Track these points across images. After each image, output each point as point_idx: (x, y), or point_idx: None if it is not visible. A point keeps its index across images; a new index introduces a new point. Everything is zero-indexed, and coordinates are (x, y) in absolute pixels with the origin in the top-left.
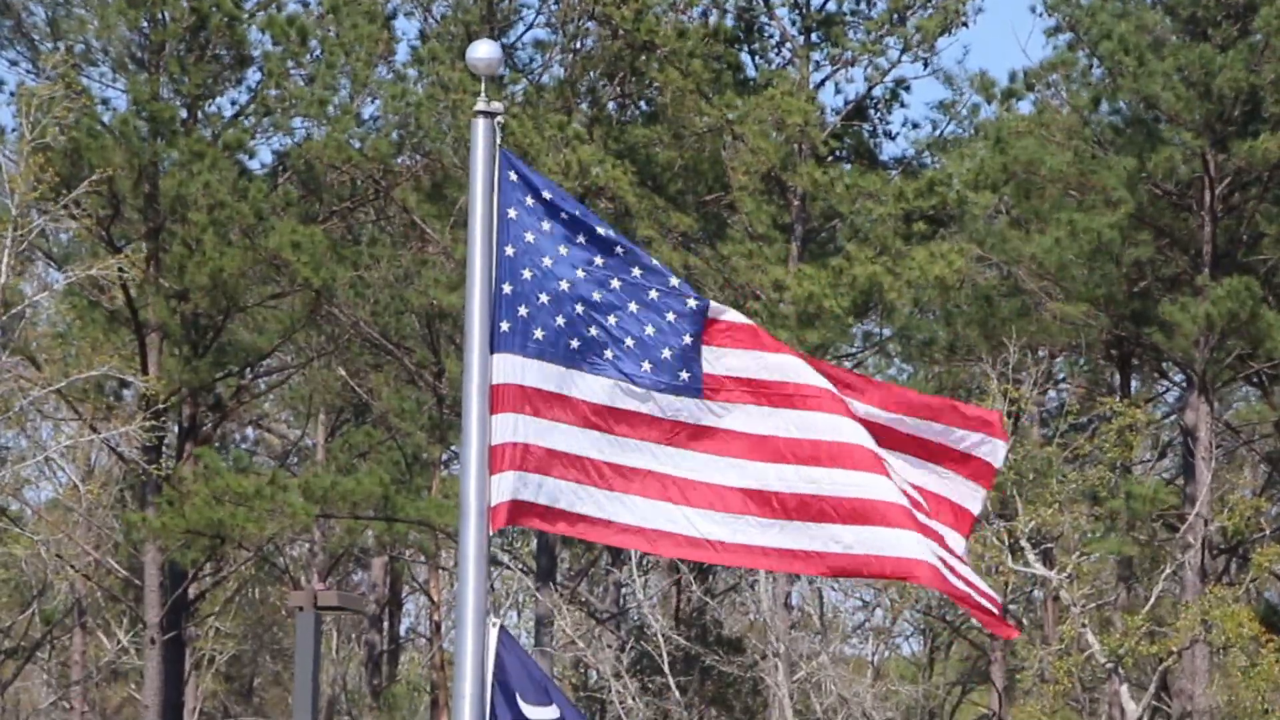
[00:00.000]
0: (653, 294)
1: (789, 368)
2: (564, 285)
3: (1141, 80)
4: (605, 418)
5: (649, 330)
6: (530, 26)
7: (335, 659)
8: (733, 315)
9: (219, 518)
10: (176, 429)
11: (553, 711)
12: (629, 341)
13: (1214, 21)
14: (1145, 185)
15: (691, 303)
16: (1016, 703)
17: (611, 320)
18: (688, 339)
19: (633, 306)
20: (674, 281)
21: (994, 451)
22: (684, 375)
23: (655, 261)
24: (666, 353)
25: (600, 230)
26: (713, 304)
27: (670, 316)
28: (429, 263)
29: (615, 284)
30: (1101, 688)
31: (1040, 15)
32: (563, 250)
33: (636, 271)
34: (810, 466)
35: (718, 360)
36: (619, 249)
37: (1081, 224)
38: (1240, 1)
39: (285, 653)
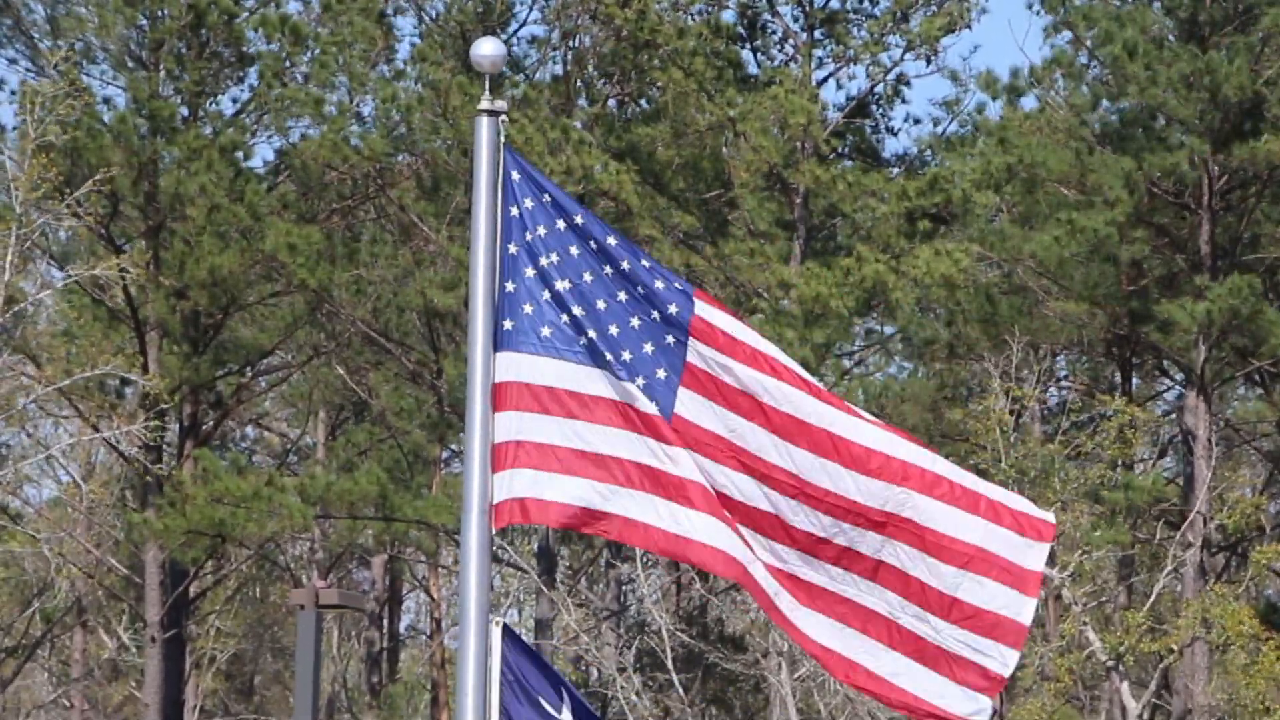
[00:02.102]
0: (648, 316)
1: (755, 436)
2: (567, 285)
3: (1148, 89)
4: (609, 413)
5: (648, 348)
6: (524, 23)
7: (335, 657)
8: (708, 360)
9: (219, 517)
10: (177, 427)
11: (566, 716)
12: (626, 355)
13: (1215, 24)
14: (1143, 184)
15: (670, 339)
16: (1017, 701)
17: (613, 330)
18: (661, 373)
19: (634, 322)
20: (655, 315)
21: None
22: (663, 402)
23: (645, 284)
24: (661, 373)
25: (598, 241)
26: (691, 345)
27: (648, 348)
28: (426, 261)
29: (623, 296)
30: (1102, 685)
31: (1038, 13)
32: (573, 250)
33: (623, 296)
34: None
35: (691, 404)
36: (607, 269)
37: (1080, 222)
38: (1240, 6)
39: (286, 651)
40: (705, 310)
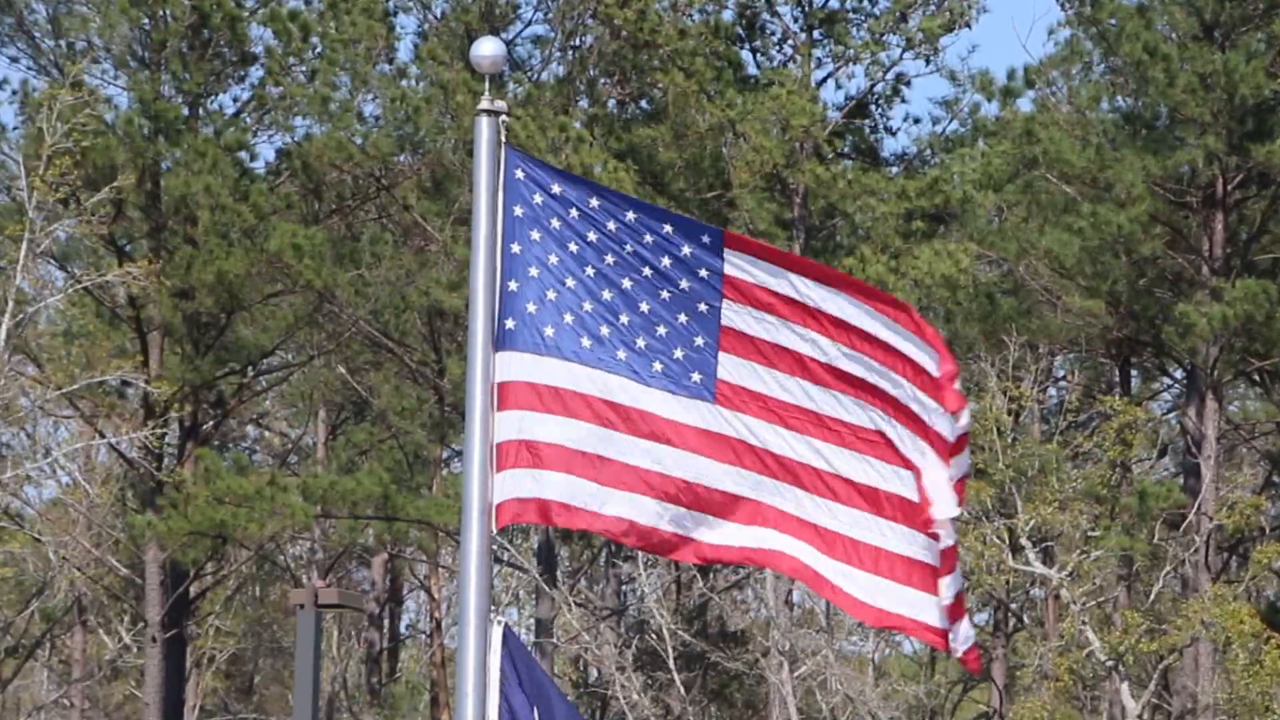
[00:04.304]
0: (664, 294)
1: (800, 391)
2: (570, 283)
3: (1167, 89)
4: (615, 415)
5: (661, 330)
6: (529, 24)
7: (335, 657)
8: (748, 321)
9: (221, 519)
10: (178, 427)
11: None
12: (640, 342)
13: (1233, 23)
14: (1156, 183)
15: (703, 306)
16: (1018, 700)
17: (623, 319)
18: (700, 341)
19: (644, 306)
20: (684, 285)
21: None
22: (695, 378)
23: (672, 255)
24: (679, 353)
25: (618, 221)
26: (725, 307)
27: (683, 318)
28: (429, 261)
29: (626, 283)
30: (1102, 685)
31: (1063, 6)
32: (572, 247)
33: (647, 271)
34: (808, 492)
35: (733, 368)
36: (629, 247)
37: (1104, 216)
38: (1258, 5)
39: (286, 650)
40: (737, 264)
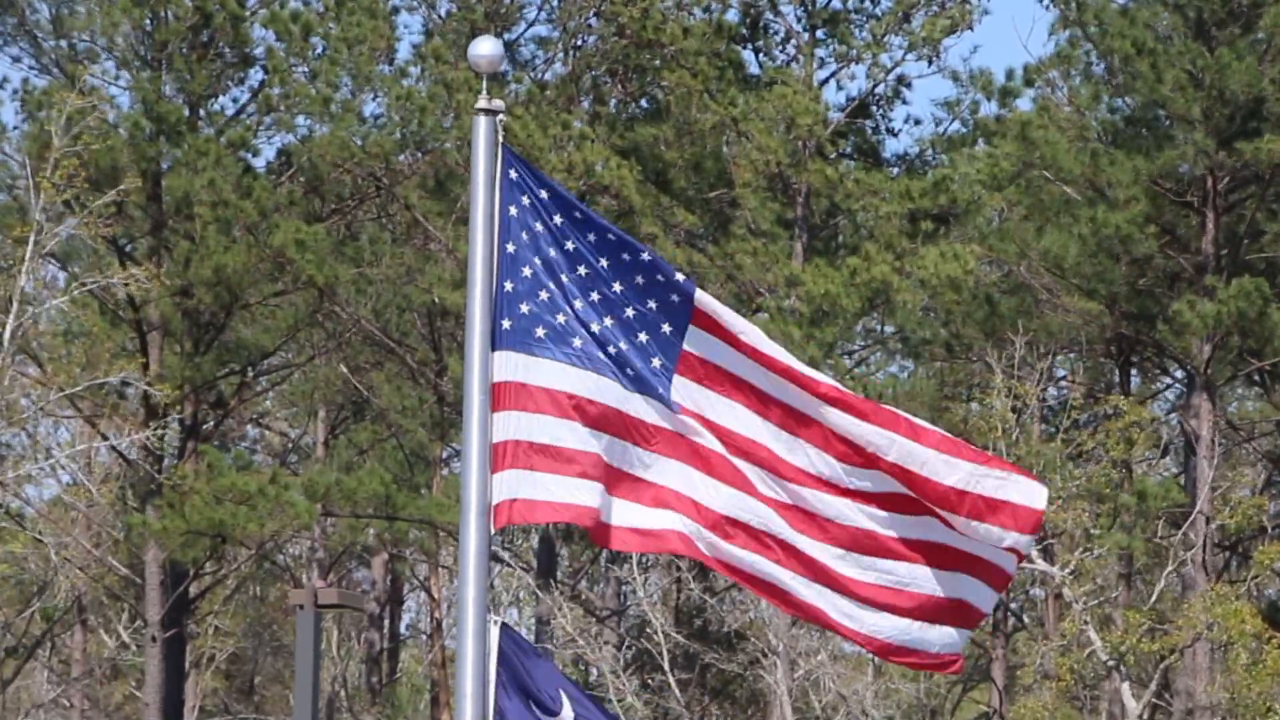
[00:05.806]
0: (643, 306)
1: (750, 423)
2: (564, 279)
3: (1155, 86)
4: (603, 416)
5: (642, 337)
6: (532, 24)
7: (335, 657)
8: (707, 348)
9: (220, 518)
10: (179, 426)
11: (567, 715)
12: (623, 344)
13: (1220, 22)
14: (1150, 183)
15: (666, 328)
16: (1018, 699)
17: (609, 322)
18: (655, 362)
19: (629, 312)
20: (651, 305)
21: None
22: (660, 390)
23: (645, 276)
24: (656, 362)
25: (594, 237)
26: (690, 330)
27: (642, 337)
28: (431, 260)
29: (618, 287)
30: (1103, 685)
31: (1047, 7)
32: (569, 245)
33: (618, 286)
34: (766, 506)
35: (684, 390)
36: (604, 262)
37: (1103, 218)
38: (1245, 2)
39: (286, 650)
40: (706, 302)
